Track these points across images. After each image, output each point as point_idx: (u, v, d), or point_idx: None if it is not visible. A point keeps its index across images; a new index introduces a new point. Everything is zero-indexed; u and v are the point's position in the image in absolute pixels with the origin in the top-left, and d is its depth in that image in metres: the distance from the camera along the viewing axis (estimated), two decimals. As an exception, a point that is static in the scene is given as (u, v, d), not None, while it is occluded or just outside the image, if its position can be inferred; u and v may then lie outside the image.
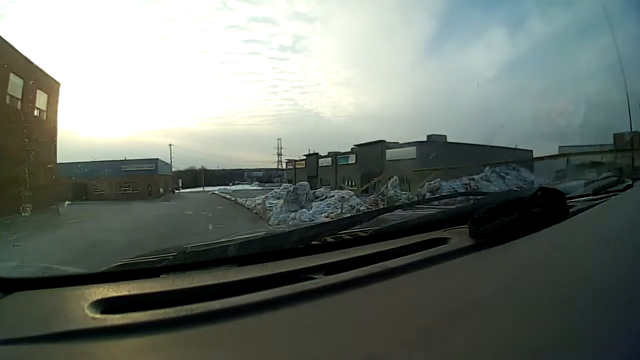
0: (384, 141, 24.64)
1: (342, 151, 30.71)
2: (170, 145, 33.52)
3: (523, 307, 0.46)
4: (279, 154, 46.21)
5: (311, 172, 33.76)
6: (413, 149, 20.99)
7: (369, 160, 24.42)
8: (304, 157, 36.61)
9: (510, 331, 0.41)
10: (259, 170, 48.10)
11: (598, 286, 0.50)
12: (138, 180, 26.49)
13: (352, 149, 29.86)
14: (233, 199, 20.12)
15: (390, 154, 23.42)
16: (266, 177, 47.16)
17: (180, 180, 39.22)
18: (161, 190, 28.81)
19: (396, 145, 23.30)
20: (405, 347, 0.41)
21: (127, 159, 27.47)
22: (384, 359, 0.39)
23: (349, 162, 28.75)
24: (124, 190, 26.28)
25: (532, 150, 15.34)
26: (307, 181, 35.51)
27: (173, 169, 37.11)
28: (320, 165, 33.50)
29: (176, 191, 34.57)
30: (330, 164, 31.36)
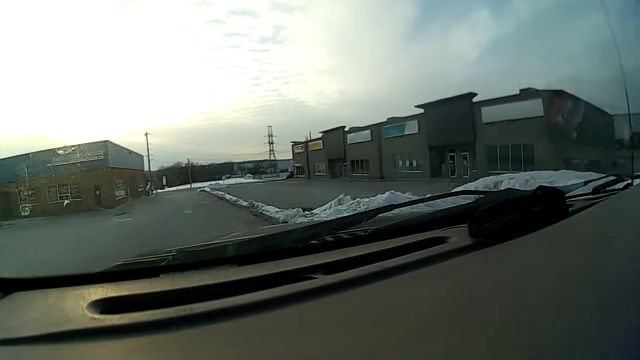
0: (473, 95, 15.37)
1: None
2: (146, 134, 27.52)
3: (522, 306, 0.46)
4: (271, 143, 44.62)
5: (334, 153, 25.05)
6: (535, 102, 12.44)
7: (446, 126, 15.53)
8: (321, 135, 27.69)
9: (509, 330, 0.41)
10: (250, 162, 46.54)
11: (598, 285, 0.50)
12: (80, 180, 15.68)
13: (388, 118, 20.68)
14: (246, 204, 11.65)
15: (489, 112, 14.27)
16: (258, 168, 45.92)
17: (164, 177, 35.38)
18: (120, 193, 18.04)
19: (493, 100, 13.94)
20: (404, 346, 0.41)
21: (66, 146, 16.67)
22: (384, 358, 0.39)
23: (406, 133, 19.10)
24: (60, 197, 15.73)
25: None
26: (328, 167, 25.63)
27: (157, 167, 31.05)
28: (349, 142, 24.05)
29: (153, 193, 26.59)
30: (369, 139, 21.90)
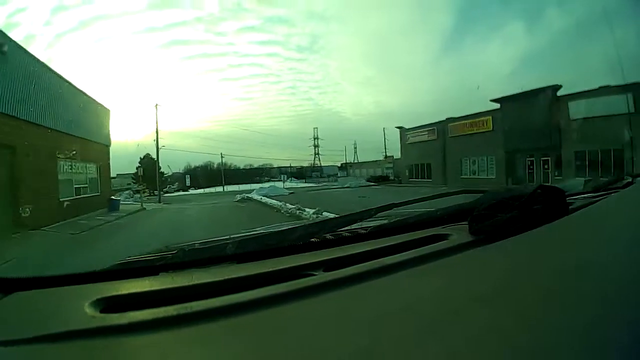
0: None
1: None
2: (156, 106, 23.81)
3: (522, 304, 0.46)
4: (316, 146, 43.98)
5: (527, 137, 12.35)
6: None
7: None
8: (496, 105, 14.79)
9: (509, 328, 0.41)
10: (293, 167, 45.47)
11: (598, 283, 0.50)
12: None
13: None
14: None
15: None
16: (303, 173, 45.73)
17: (187, 177, 33.59)
18: None
19: None
20: (404, 343, 0.41)
21: None
22: (384, 355, 0.39)
23: None
24: None
25: None
26: (506, 163, 12.58)
27: (184, 166, 27.78)
28: (572, 117, 11.21)
29: (158, 198, 17.80)
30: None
